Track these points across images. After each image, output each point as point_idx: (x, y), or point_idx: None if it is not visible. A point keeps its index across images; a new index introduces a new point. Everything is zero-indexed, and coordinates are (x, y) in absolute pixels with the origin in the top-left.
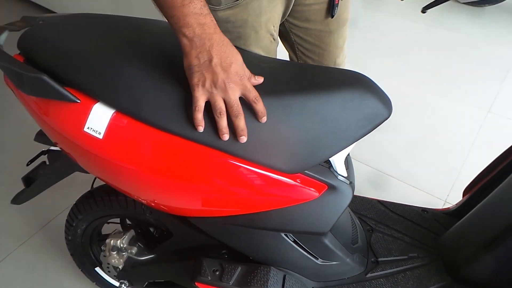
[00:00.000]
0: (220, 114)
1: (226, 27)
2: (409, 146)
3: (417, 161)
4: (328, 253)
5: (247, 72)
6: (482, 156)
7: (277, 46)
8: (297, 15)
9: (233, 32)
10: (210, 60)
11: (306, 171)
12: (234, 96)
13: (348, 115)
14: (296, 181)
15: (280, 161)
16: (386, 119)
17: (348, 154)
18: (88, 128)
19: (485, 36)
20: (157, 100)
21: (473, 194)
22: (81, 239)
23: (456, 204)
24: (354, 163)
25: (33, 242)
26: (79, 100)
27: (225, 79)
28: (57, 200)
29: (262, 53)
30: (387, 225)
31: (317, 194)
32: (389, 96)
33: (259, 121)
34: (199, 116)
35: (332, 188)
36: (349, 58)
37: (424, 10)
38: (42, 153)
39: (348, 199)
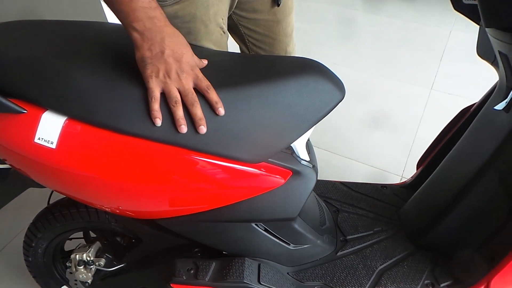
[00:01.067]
0: (176, 103)
1: (175, 23)
2: (363, 127)
3: (372, 141)
4: (299, 237)
5: (197, 61)
6: (430, 130)
7: (228, 39)
8: (244, 6)
9: (183, 27)
10: (163, 52)
11: (269, 159)
12: (188, 85)
13: (305, 100)
14: (261, 170)
15: (242, 151)
16: (341, 100)
17: (308, 139)
18: (39, 138)
19: (420, 20)
20: (110, 102)
21: (426, 166)
22: (43, 259)
23: (411, 177)
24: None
25: None
26: (25, 110)
27: (178, 69)
28: (11, 222)
29: (214, 47)
30: (351, 204)
31: (282, 181)
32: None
33: (216, 114)
34: (156, 106)
35: (296, 173)
36: (296, 50)
37: None
38: None
39: (312, 182)
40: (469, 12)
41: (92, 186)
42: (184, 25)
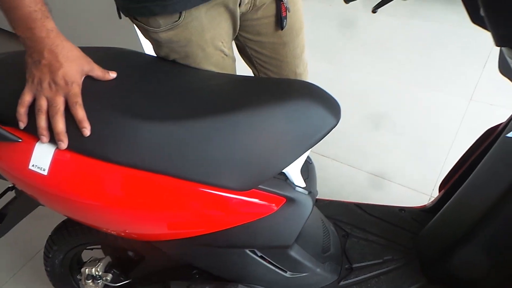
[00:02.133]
0: (39, 111)
1: (172, 47)
2: (392, 141)
3: (401, 156)
4: (296, 265)
5: (99, 74)
6: (466, 145)
7: (234, 61)
8: (248, 29)
9: (180, 51)
10: (40, 61)
11: (261, 186)
12: (56, 97)
13: (294, 126)
14: (251, 197)
15: (230, 179)
16: (334, 126)
17: (311, 163)
18: (32, 165)
19: (462, 23)
20: (97, 132)
21: (448, 188)
22: (61, 269)
23: (432, 200)
24: (335, 164)
25: (24, 274)
26: (20, 139)
27: (51, 80)
28: (43, 230)
29: (215, 70)
30: (363, 228)
31: (275, 208)
32: (338, 102)
33: (82, 133)
34: (21, 110)
35: (290, 200)
36: (328, 57)
37: (374, 10)
38: (9, 189)
39: (308, 210)
40: None
41: (83, 210)
42: (181, 49)
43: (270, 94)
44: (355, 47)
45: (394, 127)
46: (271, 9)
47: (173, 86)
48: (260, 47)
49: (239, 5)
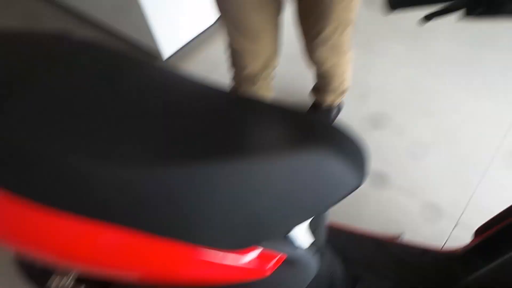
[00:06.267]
0: None
1: None
2: (419, 152)
3: (426, 170)
4: None
5: None
6: (506, 169)
7: None
8: None
9: None
10: None
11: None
12: None
13: (302, 185)
14: (240, 257)
15: (219, 241)
16: (356, 188)
17: None
18: None
19: None
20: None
21: (487, 238)
22: None
23: (464, 247)
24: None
25: None
26: None
27: None
28: None
29: None
30: (376, 271)
31: (268, 271)
32: (366, 156)
33: None
34: None
35: (289, 261)
36: (361, 43)
37: (426, 19)
38: None
39: (311, 272)
40: None
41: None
42: None
43: (283, 137)
44: (397, 32)
45: (424, 135)
46: None
47: (155, 109)
48: None
49: None
